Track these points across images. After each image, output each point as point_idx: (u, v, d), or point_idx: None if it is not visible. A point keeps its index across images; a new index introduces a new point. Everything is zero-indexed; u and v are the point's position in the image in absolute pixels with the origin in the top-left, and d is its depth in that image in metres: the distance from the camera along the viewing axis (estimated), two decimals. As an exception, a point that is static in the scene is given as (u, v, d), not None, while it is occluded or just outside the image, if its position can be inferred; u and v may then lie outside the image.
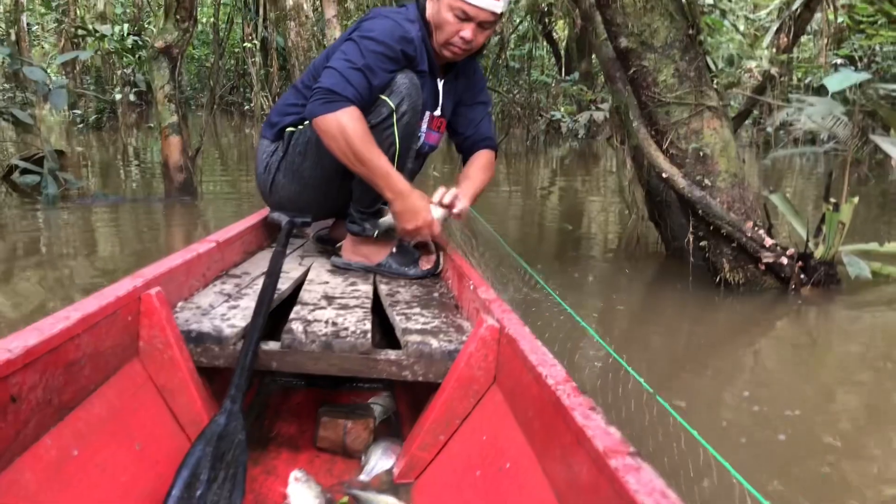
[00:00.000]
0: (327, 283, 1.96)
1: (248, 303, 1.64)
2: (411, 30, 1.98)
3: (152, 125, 8.84)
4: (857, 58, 10.06)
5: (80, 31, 8.90)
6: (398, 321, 1.63)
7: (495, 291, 1.61)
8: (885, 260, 3.32)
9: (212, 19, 16.12)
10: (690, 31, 2.95)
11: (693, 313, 3.08)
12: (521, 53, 13.40)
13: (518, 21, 11.03)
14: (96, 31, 7.59)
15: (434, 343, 1.48)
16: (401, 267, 2.10)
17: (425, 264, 2.10)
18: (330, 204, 2.21)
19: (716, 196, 3.02)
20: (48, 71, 8.70)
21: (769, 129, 10.88)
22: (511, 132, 12.38)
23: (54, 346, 1.06)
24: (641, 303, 3.42)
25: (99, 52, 9.28)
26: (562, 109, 12.47)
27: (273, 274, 1.60)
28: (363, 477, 1.44)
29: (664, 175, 3.03)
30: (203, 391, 1.42)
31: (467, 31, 1.97)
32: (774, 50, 9.03)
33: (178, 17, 5.34)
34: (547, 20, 13.05)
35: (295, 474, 1.33)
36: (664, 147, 3.05)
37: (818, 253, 3.17)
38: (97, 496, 1.08)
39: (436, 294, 1.91)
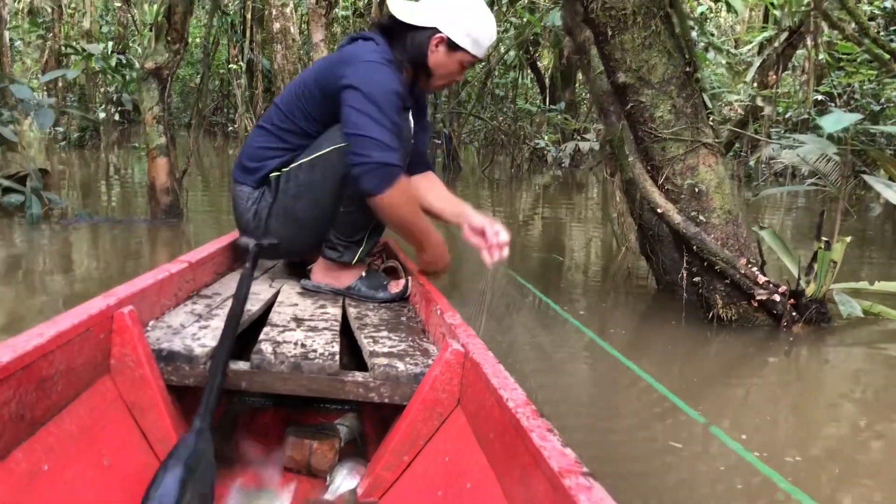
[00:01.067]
0: (297, 305, 1.99)
1: (219, 323, 1.66)
2: (399, 76, 2.04)
3: (137, 145, 8.77)
4: (835, 94, 10.25)
5: (67, 50, 8.82)
6: (366, 344, 1.67)
7: (461, 317, 1.67)
8: (874, 298, 3.34)
9: (197, 39, 16.12)
10: (687, 69, 2.98)
11: (685, 349, 3.07)
12: (505, 82, 13.51)
13: (505, 50, 11.12)
14: (83, 49, 7.55)
15: (400, 366, 1.53)
16: (370, 290, 2.14)
17: (394, 288, 2.14)
18: (322, 239, 2.20)
19: (710, 232, 3.03)
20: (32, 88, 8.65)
21: (751, 163, 11.02)
22: (495, 159, 12.44)
23: (28, 362, 1.08)
24: (632, 336, 3.41)
25: (85, 71, 9.21)
26: (546, 138, 12.57)
27: (241, 295, 1.60)
28: (328, 496, 1.47)
29: (659, 210, 3.04)
30: (172, 409, 1.44)
31: (461, 76, 2.20)
32: (756, 85, 9.18)
33: (168, 38, 5.32)
34: (532, 50, 13.19)
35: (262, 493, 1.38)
36: (659, 182, 3.06)
37: (809, 291, 3.18)
38: None
39: (403, 318, 1.96)
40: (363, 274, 2.17)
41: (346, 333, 1.87)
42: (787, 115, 11.53)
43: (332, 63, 2.05)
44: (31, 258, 4.30)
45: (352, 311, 1.98)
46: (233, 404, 1.87)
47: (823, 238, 3.21)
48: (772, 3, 8.60)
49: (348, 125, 1.93)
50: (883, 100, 9.72)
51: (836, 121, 2.77)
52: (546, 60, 15.57)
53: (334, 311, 1.96)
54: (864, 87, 9.93)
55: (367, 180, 1.90)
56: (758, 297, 3.01)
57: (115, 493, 1.22)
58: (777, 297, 3.05)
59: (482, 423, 1.25)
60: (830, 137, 3.06)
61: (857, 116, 2.88)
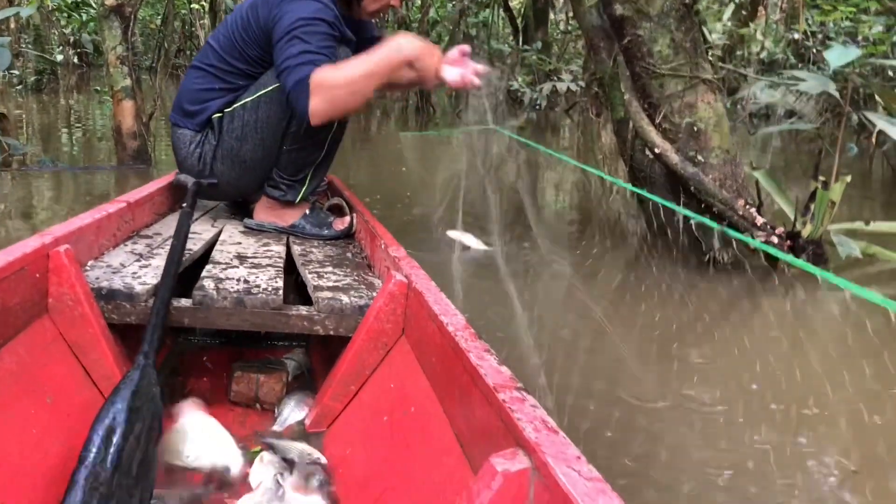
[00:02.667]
0: (240, 243, 1.99)
1: (160, 262, 1.65)
2: (324, 5, 1.97)
3: (98, 88, 8.39)
4: (810, 33, 10.15)
5: (19, -13, 8.39)
6: (310, 279, 1.68)
7: (405, 250, 1.70)
8: (870, 239, 3.28)
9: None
10: (687, 1, 2.84)
11: (680, 291, 3.00)
12: (476, 21, 13.18)
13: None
14: (38, -14, 7.16)
15: (345, 298, 1.55)
16: (314, 228, 2.14)
17: (339, 225, 2.16)
18: (266, 179, 2.18)
19: (708, 173, 2.94)
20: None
21: (727, 104, 10.91)
22: (469, 102, 12.20)
23: None
24: (624, 279, 3.33)
25: (41, 10, 8.77)
26: (519, 79, 12.32)
27: (181, 232, 1.62)
28: (276, 428, 1.51)
29: (657, 151, 2.93)
30: (115, 347, 1.45)
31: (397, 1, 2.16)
32: (732, 24, 9.04)
33: (130, -27, 5.03)
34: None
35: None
36: (657, 121, 2.94)
37: (806, 232, 3.11)
38: (9, 447, 1.10)
39: (348, 254, 1.98)
40: (307, 212, 2.16)
41: (291, 272, 1.87)
42: (760, 55, 11.42)
43: (268, 7, 2.00)
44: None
45: (296, 249, 1.98)
46: (178, 343, 1.88)
47: (821, 177, 3.13)
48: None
49: (279, 72, 1.92)
50: (860, 38, 9.64)
51: (841, 55, 2.66)
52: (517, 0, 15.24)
53: (278, 248, 1.96)
54: (842, 26, 9.82)
55: (299, 108, 1.86)
56: (757, 239, 2.93)
57: (59, 430, 1.23)
58: (775, 239, 2.98)
59: (425, 350, 1.29)
60: (834, 73, 2.96)
61: (860, 51, 2.78)
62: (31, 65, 10.66)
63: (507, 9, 14.51)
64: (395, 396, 1.34)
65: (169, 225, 2.06)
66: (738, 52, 10.83)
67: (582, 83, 8.82)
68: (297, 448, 1.38)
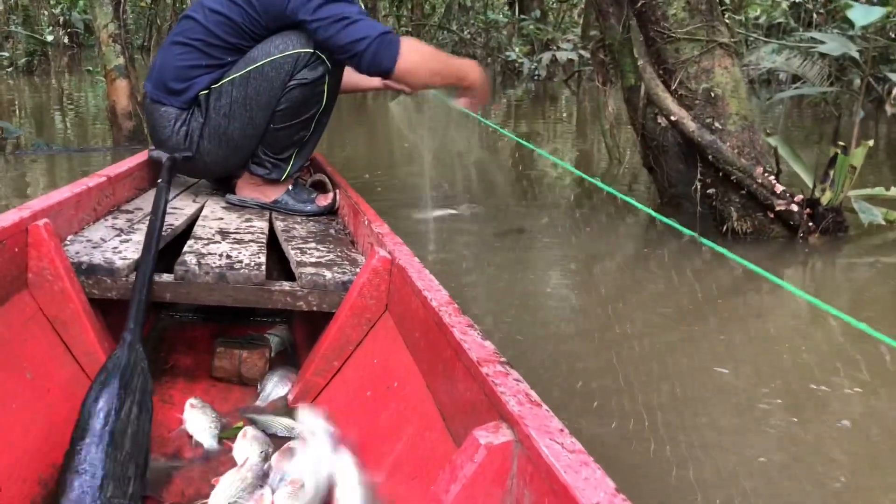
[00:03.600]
0: (222, 219, 1.97)
1: (140, 237, 1.63)
2: None
3: (90, 68, 8.23)
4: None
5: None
6: (293, 255, 1.67)
7: (388, 226, 1.68)
8: (890, 205, 3.20)
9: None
10: (703, -40, 2.72)
11: (697, 263, 2.93)
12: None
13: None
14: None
15: (328, 274, 1.54)
16: (297, 204, 2.13)
17: (322, 201, 2.14)
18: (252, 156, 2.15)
19: (726, 140, 2.84)
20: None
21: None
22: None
23: None
24: (638, 251, 3.26)
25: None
26: (517, 49, 12.16)
27: (159, 207, 1.58)
28: (259, 403, 1.50)
29: (673, 118, 2.83)
30: (96, 322, 1.43)
31: None
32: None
33: (119, -53, 4.88)
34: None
35: (190, 401, 1.37)
36: (672, 87, 2.84)
37: (825, 199, 3.02)
38: None
39: (331, 230, 1.97)
40: (290, 188, 2.15)
41: (275, 248, 1.86)
42: (758, 20, 11.24)
43: None
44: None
45: (279, 225, 1.96)
46: (160, 319, 1.87)
47: (840, 142, 3.04)
48: None
49: (332, 31, 1.89)
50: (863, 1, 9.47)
51: (866, 13, 2.56)
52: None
53: (261, 224, 1.95)
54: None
55: (382, 56, 1.88)
56: (777, 208, 2.84)
57: (40, 405, 1.22)
58: (794, 208, 2.89)
59: (408, 325, 1.29)
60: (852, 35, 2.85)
61: (884, 10, 2.67)
62: (22, 46, 10.47)
63: (502, -22, 14.33)
64: (378, 372, 1.35)
65: (149, 200, 1.99)
66: (737, 18, 10.66)
67: (582, 52, 8.66)
68: (281, 422, 1.39)
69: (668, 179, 3.51)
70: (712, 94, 2.80)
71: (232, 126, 2.02)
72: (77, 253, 1.49)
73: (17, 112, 7.18)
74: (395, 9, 13.62)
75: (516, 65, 11.87)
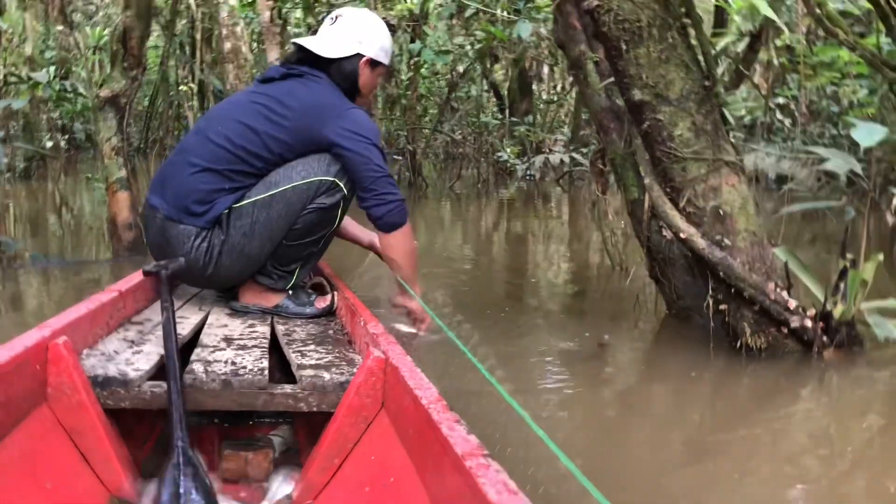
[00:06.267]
0: (226, 325, 2.09)
1: (151, 348, 1.75)
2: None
3: (90, 175, 8.28)
4: (794, 97, 10.27)
5: (10, 79, 8.34)
6: (294, 358, 1.78)
7: (384, 326, 1.80)
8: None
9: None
10: (706, 83, 2.78)
11: (710, 382, 2.88)
12: (463, 95, 13.31)
13: (468, 64, 10.94)
14: (30, 77, 7.10)
15: (327, 376, 1.64)
16: (297, 307, 2.25)
17: (320, 304, 2.26)
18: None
19: (736, 256, 2.83)
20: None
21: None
22: (461, 174, 12.20)
23: None
24: (646, 368, 3.20)
25: (31, 100, 8.74)
26: (507, 150, 12.37)
27: (168, 324, 1.69)
28: (265, 503, 1.58)
29: (682, 235, 2.83)
30: (111, 432, 1.51)
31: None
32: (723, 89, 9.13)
33: (125, 64, 4.98)
34: (489, 63, 13.00)
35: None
36: (681, 205, 2.85)
37: (837, 312, 2.99)
38: None
39: (330, 331, 2.08)
40: (290, 292, 2.27)
41: (277, 350, 1.97)
42: (743, 121, 11.53)
43: (323, 117, 2.17)
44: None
45: (280, 329, 2.07)
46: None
47: (849, 255, 3.04)
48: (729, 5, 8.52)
49: (368, 170, 2.15)
50: (845, 102, 9.74)
51: (870, 133, 2.60)
52: (499, 73, 15.42)
53: (263, 329, 2.06)
54: (825, 90, 9.94)
55: (397, 215, 2.20)
56: (792, 325, 2.81)
57: None
58: (808, 323, 2.86)
59: (403, 422, 1.37)
60: (866, 150, 2.89)
61: (885, 129, 2.71)
62: (20, 153, 10.57)
63: (491, 83, 14.70)
64: (375, 468, 1.42)
65: (156, 310, 2.13)
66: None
67: (574, 154, 8.83)
68: None
69: (676, 292, 3.48)
70: (720, 212, 2.82)
71: (251, 244, 2.15)
72: (93, 366, 1.57)
73: (13, 222, 7.17)
74: (387, 112, 13.94)
75: (507, 165, 12.06)
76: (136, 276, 2.21)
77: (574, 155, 8.94)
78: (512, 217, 8.69)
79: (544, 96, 15.34)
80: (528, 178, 11.53)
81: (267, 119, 2.18)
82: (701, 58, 2.80)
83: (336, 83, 2.31)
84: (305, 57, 2.33)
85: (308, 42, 2.33)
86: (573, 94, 13.47)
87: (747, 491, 1.98)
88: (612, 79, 3.36)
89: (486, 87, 14.61)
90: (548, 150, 9.94)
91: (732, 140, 2.88)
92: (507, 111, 12.78)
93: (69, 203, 9.23)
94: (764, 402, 2.73)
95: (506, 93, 13.79)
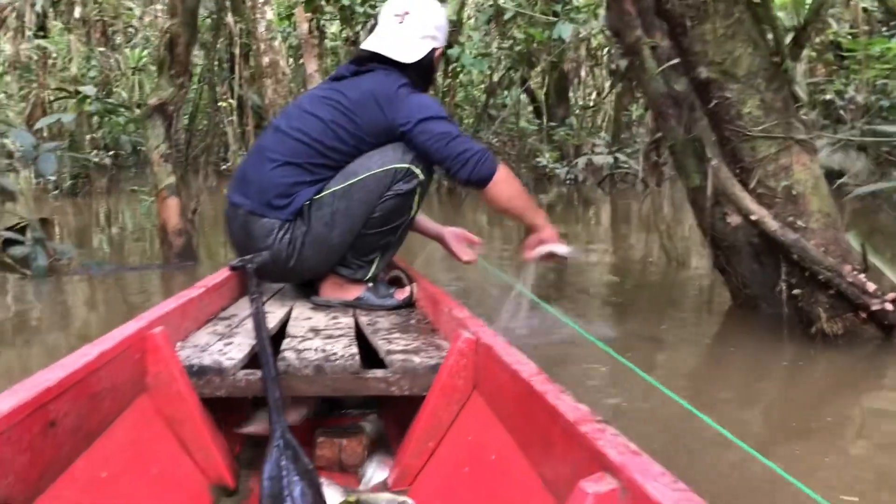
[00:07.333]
0: (310, 318, 2.11)
1: (241, 339, 1.77)
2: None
3: (136, 188, 8.38)
4: (839, 93, 10.05)
5: (59, 95, 8.48)
6: (381, 345, 1.77)
7: (468, 311, 1.78)
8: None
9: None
10: (775, 59, 2.69)
11: (784, 371, 2.76)
12: (501, 101, 13.28)
13: (506, 69, 10.91)
14: (77, 91, 7.20)
15: (417, 359, 1.63)
16: (378, 300, 2.26)
17: (400, 295, 2.27)
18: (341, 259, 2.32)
19: (809, 238, 2.73)
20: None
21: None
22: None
23: (80, 377, 1.18)
24: (713, 358, 3.08)
25: (77, 116, 8.88)
26: (547, 155, 12.30)
27: (258, 311, 1.75)
28: (361, 488, 1.58)
29: (752, 217, 2.73)
30: (208, 421, 1.54)
31: None
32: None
33: (172, 72, 5.02)
34: (526, 69, 12.97)
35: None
36: (750, 186, 2.75)
37: (917, 295, 2.86)
38: None
39: (412, 321, 2.08)
40: (370, 285, 2.28)
41: (361, 342, 1.95)
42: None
43: (383, 104, 2.17)
44: (45, 313, 3.94)
45: (363, 320, 2.08)
46: (258, 414, 1.97)
47: (927, 237, 2.91)
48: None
49: (439, 144, 2.12)
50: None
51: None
52: (536, 78, 15.39)
53: (347, 320, 2.08)
54: (875, 83, 9.70)
55: (483, 168, 2.11)
56: (872, 308, 2.69)
57: (166, 500, 1.32)
58: (889, 307, 2.74)
59: (499, 400, 1.36)
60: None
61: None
62: (67, 169, 10.77)
63: (528, 89, 14.67)
64: (473, 448, 1.41)
65: (241, 307, 2.18)
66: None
67: (618, 155, 8.72)
68: (385, 497, 1.47)
69: (742, 280, 3.37)
70: (793, 192, 2.71)
71: (332, 234, 2.17)
72: (188, 357, 1.60)
73: (65, 233, 7.27)
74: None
75: (547, 170, 11.98)
76: (220, 274, 2.27)
77: (619, 155, 8.82)
78: (554, 221, 8.60)
79: (580, 102, 15.24)
80: (568, 182, 11.44)
81: (336, 110, 2.20)
82: (770, 34, 2.70)
83: (411, 81, 2.28)
84: (376, 56, 2.30)
85: (382, 48, 2.28)
86: (612, 98, 13.39)
87: (825, 476, 1.87)
88: (668, 64, 3.28)
89: (521, 94, 14.59)
90: (590, 153, 9.81)
91: (804, 118, 2.76)
92: (544, 116, 12.72)
93: (116, 215, 9.35)
94: (842, 390, 2.61)
95: (543, 98, 13.76)
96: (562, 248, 2.32)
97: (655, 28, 3.47)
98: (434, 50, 2.34)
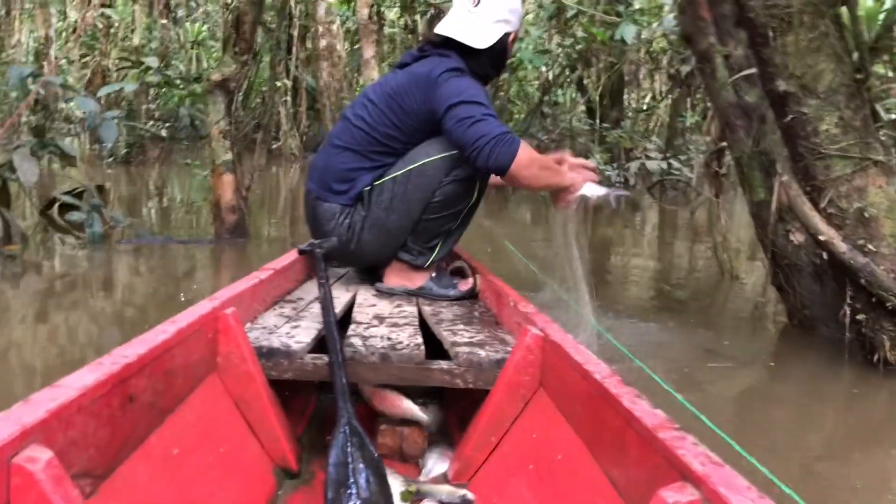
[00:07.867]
0: (375, 305, 2.11)
1: (308, 323, 1.78)
2: (475, 81, 2.19)
3: (189, 161, 8.49)
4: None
5: (121, 64, 8.62)
6: (446, 336, 1.76)
7: (535, 306, 1.75)
8: None
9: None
10: (858, 76, 2.60)
11: (842, 398, 2.68)
12: (555, 99, 13.18)
13: (562, 68, 10.80)
14: (141, 62, 7.31)
15: (482, 353, 1.61)
16: (441, 289, 2.26)
17: (463, 286, 2.26)
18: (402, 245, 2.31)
19: (879, 263, 2.64)
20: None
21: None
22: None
23: (157, 354, 1.20)
24: (770, 379, 3.01)
25: (139, 86, 9.03)
26: (597, 157, 12.17)
27: (326, 301, 1.75)
28: (422, 479, 1.57)
29: (821, 237, 2.66)
30: (275, 402, 1.55)
31: None
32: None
33: (236, 49, 5.05)
34: (581, 68, 12.84)
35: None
36: (821, 206, 2.67)
37: None
38: (195, 491, 1.21)
39: (476, 313, 2.06)
40: (433, 274, 2.29)
41: (423, 330, 1.93)
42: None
43: (423, 89, 2.14)
44: (101, 279, 4.01)
45: (426, 310, 2.08)
46: (321, 401, 2.00)
47: None
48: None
49: (460, 131, 2.03)
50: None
51: None
52: (592, 78, 15.23)
53: (410, 309, 2.08)
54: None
55: (500, 154, 1.98)
56: (943, 340, 2.60)
57: (232, 479, 1.34)
58: (960, 340, 2.65)
59: (567, 400, 1.34)
60: None
61: None
62: (122, 138, 10.96)
63: (581, 87, 14.52)
64: (538, 446, 1.38)
65: (309, 290, 2.20)
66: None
67: (672, 161, 8.58)
68: (445, 490, 1.47)
69: (801, 300, 3.28)
70: (865, 215, 2.63)
71: (391, 218, 2.19)
72: (257, 338, 1.60)
73: (118, 202, 7.39)
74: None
75: (597, 171, 11.85)
76: (289, 257, 2.30)
77: (672, 162, 8.68)
78: (599, 222, 8.50)
79: (633, 105, 15.06)
80: (617, 184, 11.30)
81: (389, 97, 2.21)
82: (854, 48, 2.62)
83: (469, 66, 2.22)
84: (449, 41, 2.25)
85: (454, 33, 2.22)
86: (667, 103, 13.20)
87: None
88: (741, 74, 3.20)
89: (575, 93, 14.45)
90: (642, 157, 9.68)
91: (883, 138, 2.67)
92: (597, 117, 12.59)
93: (167, 187, 9.49)
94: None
95: (597, 98, 13.62)
96: (594, 190, 2.19)
97: (729, 36, 3.39)
98: (507, 34, 2.28)
